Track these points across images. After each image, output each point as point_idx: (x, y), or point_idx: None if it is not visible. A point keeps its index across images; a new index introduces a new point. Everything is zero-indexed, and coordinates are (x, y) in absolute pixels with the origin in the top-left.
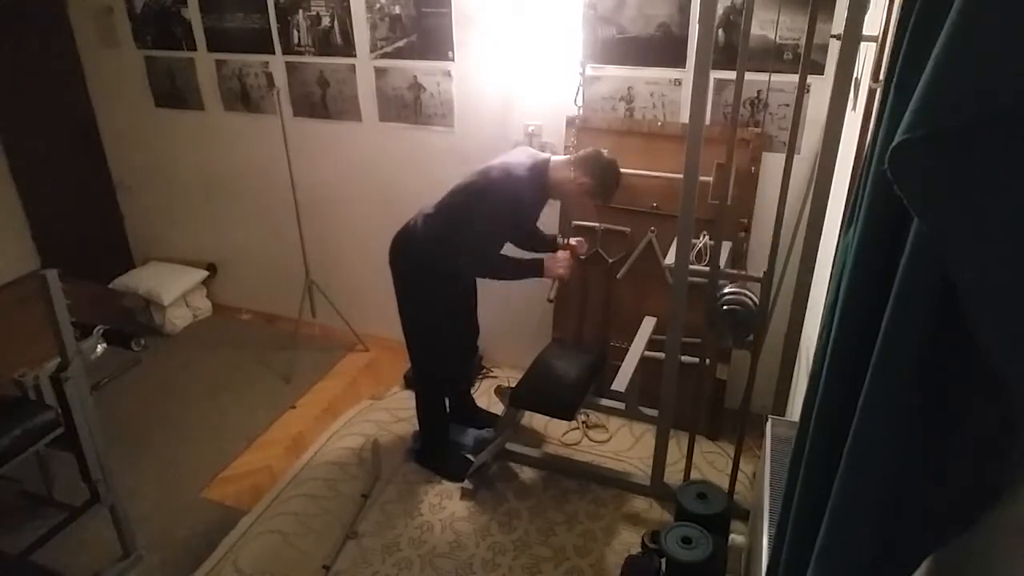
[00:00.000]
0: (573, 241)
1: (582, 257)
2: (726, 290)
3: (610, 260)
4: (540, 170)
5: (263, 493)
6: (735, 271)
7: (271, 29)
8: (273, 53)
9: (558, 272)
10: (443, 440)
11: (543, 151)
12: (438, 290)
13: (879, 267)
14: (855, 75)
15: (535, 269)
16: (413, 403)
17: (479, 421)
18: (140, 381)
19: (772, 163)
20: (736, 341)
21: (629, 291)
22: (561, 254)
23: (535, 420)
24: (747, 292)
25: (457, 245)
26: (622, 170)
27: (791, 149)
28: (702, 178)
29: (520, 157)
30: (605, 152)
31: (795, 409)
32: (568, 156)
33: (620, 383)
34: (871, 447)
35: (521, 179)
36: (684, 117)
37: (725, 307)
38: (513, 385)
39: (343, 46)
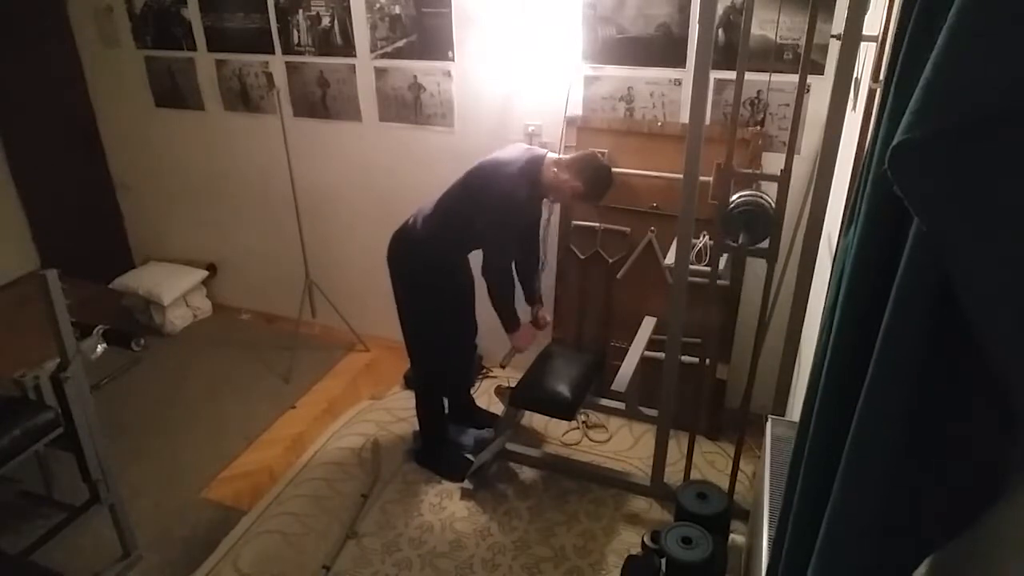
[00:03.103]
0: (546, 318)
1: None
2: (741, 193)
3: (610, 260)
4: (534, 167)
5: (263, 493)
6: (750, 170)
7: (271, 29)
8: (273, 53)
9: (521, 344)
10: (443, 440)
11: (543, 147)
12: (437, 288)
13: (879, 267)
14: (855, 75)
15: (513, 322)
16: (413, 403)
17: (479, 421)
18: (140, 381)
19: (772, 163)
20: (751, 241)
21: (629, 291)
22: (530, 328)
23: (535, 420)
24: (763, 195)
25: (460, 244)
26: (622, 170)
27: (791, 149)
28: (702, 178)
29: (514, 153)
30: (600, 154)
31: (795, 409)
32: (562, 156)
33: (620, 383)
34: (871, 447)
35: (514, 176)
36: (684, 117)
37: (739, 209)
38: (513, 385)
39: (343, 46)
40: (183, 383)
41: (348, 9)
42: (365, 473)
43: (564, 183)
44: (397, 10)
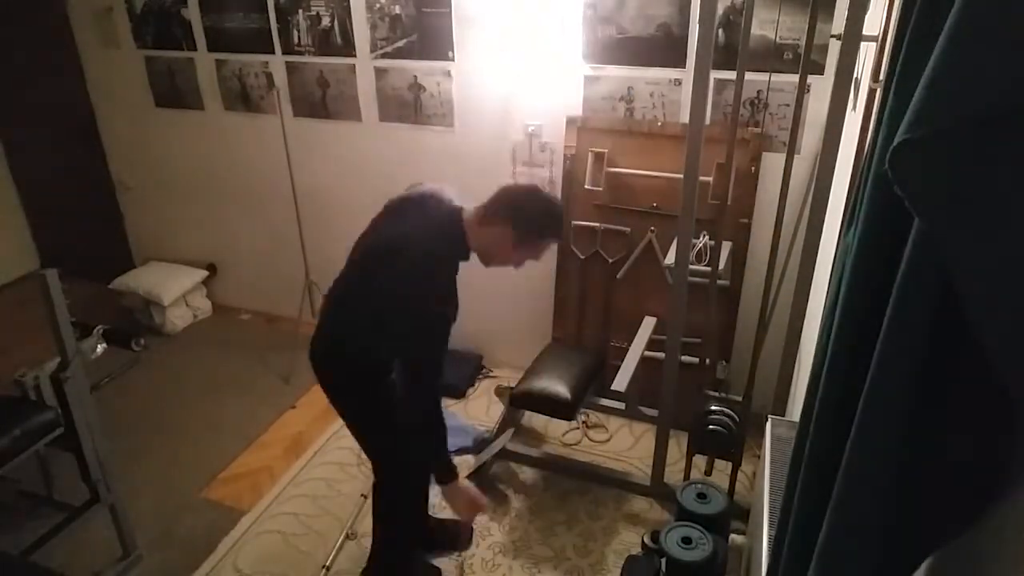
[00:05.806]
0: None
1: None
2: (711, 407)
3: (610, 260)
4: (454, 224)
5: (263, 493)
6: (718, 393)
7: (271, 29)
8: (273, 53)
9: (468, 513)
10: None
11: (447, 195)
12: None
13: (879, 268)
14: (855, 75)
15: (448, 472)
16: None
17: (438, 539)
18: (140, 381)
19: (772, 163)
20: (720, 454)
21: (629, 291)
22: (473, 490)
23: (535, 420)
24: (729, 412)
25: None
26: (622, 170)
27: (791, 149)
28: (702, 178)
29: (431, 211)
30: (534, 189)
31: (795, 409)
32: (479, 206)
33: (620, 383)
34: (872, 447)
35: (438, 241)
36: (684, 117)
37: (710, 427)
38: (513, 385)
39: (343, 46)
40: (183, 383)
41: (348, 9)
42: (365, 473)
43: (491, 237)
44: (397, 10)
